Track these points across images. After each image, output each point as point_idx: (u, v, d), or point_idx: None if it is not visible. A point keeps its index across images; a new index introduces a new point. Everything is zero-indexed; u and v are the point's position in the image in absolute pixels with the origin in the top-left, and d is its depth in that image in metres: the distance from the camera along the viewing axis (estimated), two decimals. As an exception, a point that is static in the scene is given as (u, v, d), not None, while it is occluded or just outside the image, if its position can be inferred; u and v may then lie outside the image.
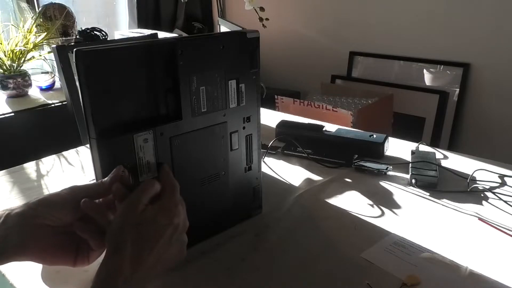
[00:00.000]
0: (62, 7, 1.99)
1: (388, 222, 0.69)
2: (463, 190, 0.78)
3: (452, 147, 2.06)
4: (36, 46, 1.77)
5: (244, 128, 0.64)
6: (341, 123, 1.17)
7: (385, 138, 0.94)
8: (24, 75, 1.75)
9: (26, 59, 1.76)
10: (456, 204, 0.74)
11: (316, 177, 0.85)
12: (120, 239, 0.45)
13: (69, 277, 0.56)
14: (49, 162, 0.95)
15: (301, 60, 2.55)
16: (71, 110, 1.05)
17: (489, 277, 0.56)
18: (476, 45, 1.92)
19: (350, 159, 0.89)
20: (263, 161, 0.91)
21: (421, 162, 0.85)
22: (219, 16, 2.79)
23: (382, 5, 2.16)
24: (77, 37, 1.89)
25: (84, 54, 0.47)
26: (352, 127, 1.70)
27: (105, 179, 0.50)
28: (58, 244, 0.51)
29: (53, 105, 1.68)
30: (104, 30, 1.92)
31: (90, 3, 2.47)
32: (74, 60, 0.47)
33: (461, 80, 1.99)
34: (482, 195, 0.77)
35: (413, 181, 0.80)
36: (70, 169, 0.92)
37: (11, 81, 1.72)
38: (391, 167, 0.85)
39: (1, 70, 1.71)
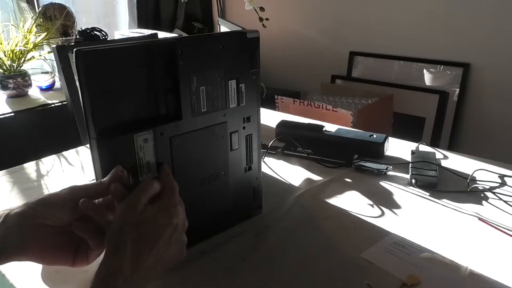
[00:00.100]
0: (62, 7, 1.99)
1: (388, 222, 0.69)
2: (463, 190, 0.78)
3: (452, 147, 2.06)
4: (36, 46, 1.77)
5: (244, 128, 0.64)
6: (341, 123, 1.17)
7: (385, 138, 0.94)
8: (24, 75, 1.75)
9: (26, 59, 1.76)
10: (456, 204, 0.74)
11: (316, 177, 0.85)
12: (119, 239, 0.45)
13: (69, 277, 0.56)
14: (49, 162, 0.95)
15: (301, 60, 2.55)
16: (71, 110, 1.05)
17: (489, 277, 0.56)
18: (476, 45, 1.92)
19: (350, 159, 0.89)
20: (263, 161, 0.91)
21: (421, 162, 0.85)
22: (219, 16, 2.79)
23: (382, 5, 2.16)
24: (77, 37, 1.89)
25: (84, 54, 0.47)
26: (352, 127, 1.70)
27: (104, 179, 0.50)
28: (57, 244, 0.51)
29: (53, 105, 1.68)
30: (104, 30, 1.92)
31: (90, 3, 2.47)
32: (74, 60, 0.47)
33: (461, 80, 1.99)
34: (482, 195, 0.77)
35: (413, 181, 0.80)
36: (70, 169, 0.92)
37: (11, 81, 1.72)
38: (391, 167, 0.85)
39: (1, 70, 1.71)
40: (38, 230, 0.49)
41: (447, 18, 1.98)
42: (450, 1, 1.95)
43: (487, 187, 0.79)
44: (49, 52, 1.83)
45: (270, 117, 1.15)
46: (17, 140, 1.53)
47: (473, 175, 0.82)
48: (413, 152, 0.91)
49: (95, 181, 0.52)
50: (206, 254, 0.61)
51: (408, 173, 0.84)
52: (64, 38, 1.93)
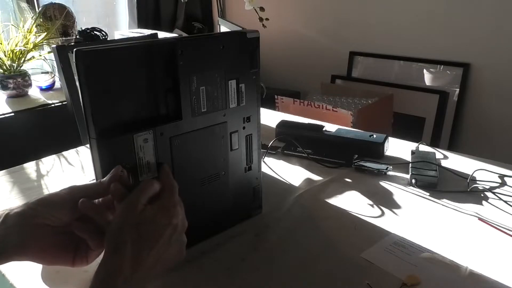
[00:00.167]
0: (62, 7, 1.99)
1: (388, 222, 0.69)
2: (463, 190, 0.78)
3: (452, 147, 2.06)
4: (36, 46, 1.77)
5: (244, 128, 0.64)
6: (341, 123, 1.17)
7: (385, 138, 0.94)
8: (24, 75, 1.75)
9: (26, 59, 1.76)
10: (456, 204, 0.74)
11: (316, 177, 0.85)
12: (119, 239, 0.45)
13: (69, 277, 0.56)
14: (49, 162, 0.95)
15: (301, 60, 2.55)
16: (71, 110, 1.05)
17: (489, 277, 0.56)
18: (476, 45, 1.92)
19: (350, 159, 0.89)
20: (263, 161, 0.91)
21: (421, 162, 0.85)
22: (219, 16, 2.79)
23: (382, 5, 2.16)
24: (77, 37, 1.89)
25: (84, 54, 0.47)
26: (352, 127, 1.70)
27: (104, 179, 0.50)
28: (57, 244, 0.51)
29: (53, 105, 1.68)
30: (104, 30, 1.92)
31: (90, 3, 2.47)
32: (74, 60, 0.47)
33: (461, 80, 1.99)
34: (482, 195, 0.77)
35: (413, 181, 0.80)
36: (70, 169, 0.92)
37: (11, 81, 1.72)
38: (391, 167, 0.85)
39: (1, 70, 1.71)
40: (38, 230, 0.49)
41: (447, 18, 1.98)
42: (450, 1, 1.95)
43: (487, 187, 0.79)
44: (49, 52, 1.83)
45: (270, 117, 1.15)
46: (17, 140, 1.53)
47: (473, 175, 0.82)
48: (413, 152, 0.91)
49: (95, 181, 0.52)
50: (206, 254, 0.61)
51: (408, 173, 0.84)
52: (64, 38, 1.93)
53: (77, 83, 0.49)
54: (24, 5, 1.95)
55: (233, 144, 0.63)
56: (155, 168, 0.54)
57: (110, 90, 0.50)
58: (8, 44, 1.71)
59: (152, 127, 0.53)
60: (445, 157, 0.93)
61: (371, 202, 0.75)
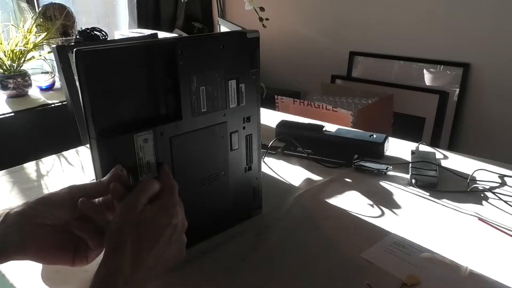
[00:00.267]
0: (62, 7, 1.99)
1: (388, 222, 0.69)
2: (463, 190, 0.78)
3: (452, 147, 2.06)
4: (36, 46, 1.77)
5: (244, 128, 0.64)
6: (341, 123, 1.17)
7: (385, 138, 0.94)
8: (24, 75, 1.75)
9: (26, 59, 1.76)
10: (456, 204, 0.74)
11: (316, 177, 0.85)
12: (119, 239, 0.45)
13: (69, 277, 0.56)
14: (49, 162, 0.95)
15: (301, 60, 2.55)
16: (71, 110, 1.05)
17: (489, 277, 0.56)
18: (476, 45, 1.92)
19: (350, 159, 0.89)
20: (263, 161, 0.91)
21: (421, 162, 0.85)
22: (219, 16, 2.79)
23: (382, 5, 2.16)
24: (77, 37, 1.89)
25: (84, 54, 0.47)
26: (352, 127, 1.70)
27: (104, 178, 0.50)
28: (57, 243, 0.51)
29: (53, 105, 1.68)
30: (104, 30, 1.92)
31: (90, 3, 2.47)
32: (74, 60, 0.47)
33: (461, 80, 1.99)
34: (482, 195, 0.77)
35: (413, 181, 0.80)
36: (70, 169, 0.92)
37: (11, 81, 1.72)
38: (391, 167, 0.85)
39: (1, 70, 1.71)
40: (37, 229, 0.49)
41: (447, 18, 1.98)
42: (450, 1, 1.95)
43: (487, 187, 0.79)
44: (49, 52, 1.83)
45: (270, 117, 1.15)
46: (17, 140, 1.53)
47: (473, 175, 0.82)
48: (413, 152, 0.91)
49: (95, 180, 0.52)
50: (206, 254, 0.61)
51: (408, 173, 0.84)
52: (64, 38, 1.93)
53: (77, 83, 0.49)
54: (24, 5, 1.95)
55: (233, 144, 0.63)
56: (155, 168, 0.54)
57: (110, 90, 0.50)
58: (8, 44, 1.72)
59: (152, 127, 0.53)
60: (445, 157, 0.93)
61: (371, 202, 0.75)
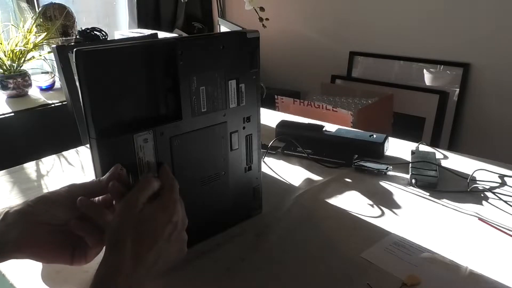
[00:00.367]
0: (62, 7, 1.99)
1: (388, 222, 0.69)
2: (463, 190, 0.78)
3: (452, 147, 2.06)
4: (36, 46, 1.78)
5: (244, 128, 0.64)
6: (341, 123, 1.17)
7: (385, 138, 0.94)
8: (24, 75, 1.75)
9: (26, 59, 1.76)
10: (456, 204, 0.74)
11: (316, 177, 0.85)
12: (119, 238, 0.45)
13: (69, 277, 0.56)
14: (49, 162, 0.95)
15: (301, 60, 2.55)
16: (71, 110, 1.05)
17: (489, 277, 0.56)
18: (476, 45, 1.92)
19: (350, 159, 0.89)
20: (263, 161, 0.91)
21: (421, 162, 0.85)
22: (219, 16, 2.79)
23: (382, 5, 2.16)
24: (77, 37, 1.89)
25: (84, 54, 0.47)
26: (352, 127, 1.70)
27: (103, 177, 0.50)
28: (56, 242, 0.51)
29: (53, 105, 1.68)
30: (104, 30, 1.92)
31: (90, 3, 2.47)
32: (74, 60, 0.47)
33: (461, 80, 1.99)
34: (482, 195, 0.77)
35: (413, 181, 0.80)
36: (70, 169, 0.92)
37: (11, 81, 1.72)
38: (391, 167, 0.85)
39: (1, 70, 1.72)
40: (37, 228, 0.49)
41: (447, 18, 1.98)
42: (450, 1, 1.95)
43: (487, 187, 0.79)
44: (49, 52, 1.83)
45: (270, 117, 1.15)
46: (17, 140, 1.53)
47: (473, 175, 0.82)
48: (413, 152, 0.91)
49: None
50: (206, 254, 0.61)
51: (408, 173, 0.84)
52: (64, 38, 1.93)
53: (77, 83, 0.49)
54: (24, 5, 1.95)
55: (233, 144, 0.63)
56: (155, 168, 0.54)
57: (110, 90, 0.50)
58: (8, 44, 1.72)
59: (152, 127, 0.53)
60: (445, 157, 0.93)
61: (371, 202, 0.75)
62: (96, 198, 0.53)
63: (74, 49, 0.47)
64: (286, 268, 0.59)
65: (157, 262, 0.46)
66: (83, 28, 1.90)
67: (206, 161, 0.61)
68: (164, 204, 0.49)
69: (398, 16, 2.13)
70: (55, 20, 1.93)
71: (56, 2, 1.99)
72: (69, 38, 1.95)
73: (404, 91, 2.13)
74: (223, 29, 1.53)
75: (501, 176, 0.83)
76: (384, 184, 0.82)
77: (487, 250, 0.62)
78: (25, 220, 0.49)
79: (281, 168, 0.90)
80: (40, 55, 1.83)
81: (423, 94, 2.09)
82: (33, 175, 0.90)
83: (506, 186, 0.79)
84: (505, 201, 0.74)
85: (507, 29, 1.82)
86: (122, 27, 2.58)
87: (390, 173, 0.85)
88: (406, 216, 0.71)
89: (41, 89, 1.87)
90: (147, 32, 2.20)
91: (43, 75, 1.87)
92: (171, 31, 2.61)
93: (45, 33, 1.79)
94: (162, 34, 1.88)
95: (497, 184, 0.80)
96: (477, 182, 0.81)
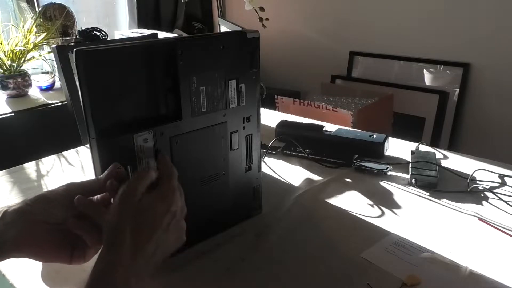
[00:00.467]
0: (62, 7, 1.99)
1: (388, 222, 0.69)
2: (463, 190, 0.78)
3: (452, 147, 2.06)
4: (36, 46, 1.78)
5: (244, 128, 0.64)
6: (341, 123, 1.17)
7: (385, 138, 0.94)
8: (24, 75, 1.75)
9: (26, 59, 1.76)
10: (456, 204, 0.74)
11: (316, 177, 0.85)
12: (118, 229, 0.45)
13: (69, 276, 0.56)
14: (49, 162, 0.95)
15: (301, 60, 2.55)
16: (71, 110, 1.05)
17: (489, 277, 0.56)
18: (476, 45, 1.92)
19: (350, 159, 0.89)
20: (263, 161, 0.91)
21: (421, 162, 0.85)
22: (219, 16, 2.79)
23: (382, 5, 2.16)
24: (77, 37, 1.89)
25: (84, 54, 0.47)
26: (352, 127, 1.70)
27: (101, 176, 0.50)
28: (54, 241, 0.51)
29: (53, 105, 1.68)
30: (104, 30, 1.92)
31: (90, 3, 2.47)
32: (74, 60, 0.47)
33: (461, 80, 1.99)
34: (482, 195, 0.77)
35: (413, 181, 0.80)
36: (70, 169, 0.92)
37: (11, 81, 1.72)
38: (391, 167, 0.85)
39: (1, 70, 1.71)
40: (35, 227, 0.49)
41: (447, 18, 1.98)
42: (450, 1, 1.95)
43: (487, 187, 0.79)
44: (49, 52, 1.83)
45: (270, 117, 1.15)
46: (17, 140, 1.53)
47: (473, 175, 0.82)
48: (413, 152, 0.91)
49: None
50: (206, 254, 0.61)
51: (408, 173, 0.84)
52: (64, 38, 1.93)
53: (77, 83, 0.49)
54: (24, 5, 1.95)
55: (233, 144, 0.63)
56: (155, 169, 0.54)
57: (110, 90, 0.50)
58: (8, 44, 1.72)
59: (152, 127, 0.53)
60: (445, 157, 0.93)
61: (371, 202, 0.75)
62: (94, 197, 0.53)
63: (74, 49, 0.47)
64: (286, 268, 0.59)
65: (156, 252, 0.46)
66: (83, 28, 1.90)
67: (206, 161, 0.61)
68: (163, 194, 0.49)
69: (398, 16, 2.13)
70: (55, 20, 1.93)
71: (56, 2, 1.99)
72: (69, 38, 1.95)
73: (404, 91, 2.13)
74: (223, 29, 1.53)
75: (501, 176, 0.83)
76: (384, 184, 0.82)
77: (487, 250, 0.62)
78: (23, 219, 0.49)
79: (281, 168, 0.90)
80: (40, 55, 1.83)
81: (423, 94, 2.09)
82: (33, 175, 0.90)
83: (506, 186, 0.79)
84: (505, 201, 0.74)
85: (507, 29, 1.82)
86: (122, 27, 2.58)
87: (390, 173, 0.85)
88: (406, 216, 0.71)
89: (41, 89, 1.87)
90: (147, 32, 2.20)
91: (43, 75, 1.87)
92: (171, 31, 2.61)
93: (45, 33, 1.79)
94: (162, 34, 1.88)
95: (497, 184, 0.80)
96: (477, 182, 0.81)
